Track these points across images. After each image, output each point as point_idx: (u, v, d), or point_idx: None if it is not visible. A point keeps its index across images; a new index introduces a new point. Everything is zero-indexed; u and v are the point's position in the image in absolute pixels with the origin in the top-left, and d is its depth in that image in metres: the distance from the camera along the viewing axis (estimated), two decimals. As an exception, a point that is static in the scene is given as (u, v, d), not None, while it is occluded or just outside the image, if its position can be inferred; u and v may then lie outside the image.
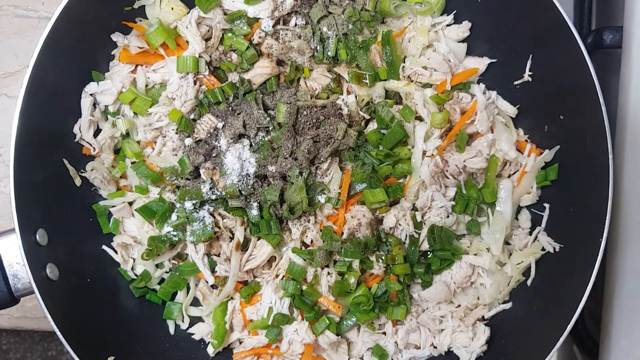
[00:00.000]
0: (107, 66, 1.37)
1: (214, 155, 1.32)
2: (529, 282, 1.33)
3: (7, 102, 1.57)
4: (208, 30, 1.37)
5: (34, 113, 1.19)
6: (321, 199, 1.31)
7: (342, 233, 1.31)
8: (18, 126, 1.16)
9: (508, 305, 1.35)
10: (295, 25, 1.36)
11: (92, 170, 1.34)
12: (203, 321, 1.40)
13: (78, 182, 1.33)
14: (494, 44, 1.37)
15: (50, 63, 1.22)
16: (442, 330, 1.35)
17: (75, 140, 1.33)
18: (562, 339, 1.16)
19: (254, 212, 1.30)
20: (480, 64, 1.38)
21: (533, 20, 1.27)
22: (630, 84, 1.27)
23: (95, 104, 1.35)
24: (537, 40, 1.29)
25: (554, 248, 1.30)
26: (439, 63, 1.34)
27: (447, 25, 1.39)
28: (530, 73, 1.33)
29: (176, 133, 1.35)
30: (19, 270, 1.16)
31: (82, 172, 1.33)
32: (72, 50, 1.27)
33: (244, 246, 1.33)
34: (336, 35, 1.34)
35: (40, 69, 1.19)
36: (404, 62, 1.37)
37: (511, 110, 1.37)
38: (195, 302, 1.40)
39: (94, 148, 1.35)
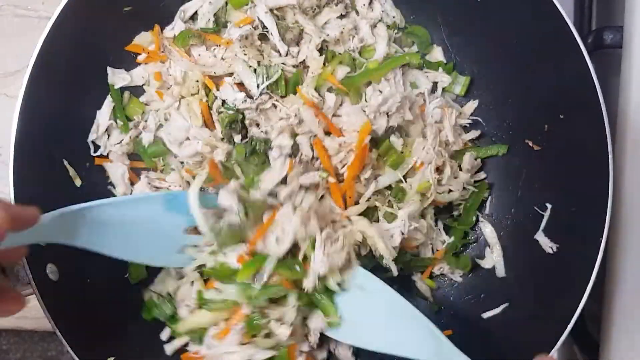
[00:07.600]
0: (108, 66, 1.36)
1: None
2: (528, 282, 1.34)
3: (7, 102, 1.57)
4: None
5: (33, 113, 1.19)
6: None
7: None
8: (17, 126, 1.16)
9: (507, 305, 1.35)
10: None
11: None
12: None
13: (78, 182, 1.32)
14: (493, 43, 1.37)
15: (50, 63, 1.21)
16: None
17: (89, 140, 1.34)
18: (562, 339, 1.17)
19: None
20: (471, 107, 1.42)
21: (533, 19, 1.27)
22: (631, 84, 1.27)
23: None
24: (536, 39, 1.29)
25: (552, 248, 1.30)
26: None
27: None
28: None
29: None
30: (19, 270, 1.16)
31: (81, 174, 1.33)
32: (71, 50, 1.27)
33: None
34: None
35: (39, 69, 1.19)
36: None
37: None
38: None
39: (107, 153, 1.35)
